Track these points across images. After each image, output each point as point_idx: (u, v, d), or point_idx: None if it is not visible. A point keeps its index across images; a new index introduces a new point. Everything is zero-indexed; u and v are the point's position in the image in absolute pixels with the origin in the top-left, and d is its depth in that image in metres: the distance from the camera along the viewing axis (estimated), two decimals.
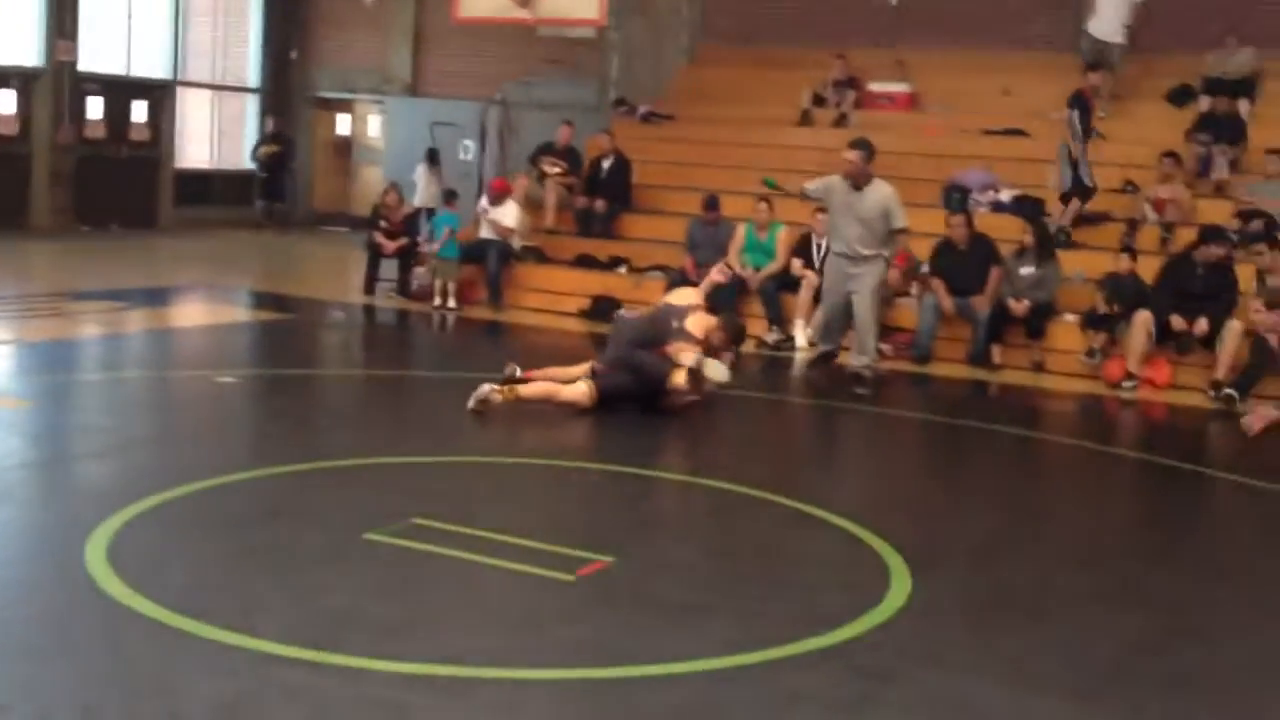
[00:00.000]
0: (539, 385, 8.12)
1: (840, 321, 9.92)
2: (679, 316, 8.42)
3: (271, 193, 20.27)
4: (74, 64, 18.41)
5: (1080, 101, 12.35)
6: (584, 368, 8.34)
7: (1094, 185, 12.42)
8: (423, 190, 17.31)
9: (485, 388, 7.85)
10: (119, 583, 4.61)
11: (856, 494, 6.93)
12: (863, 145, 9.71)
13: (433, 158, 17.87)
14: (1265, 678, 4.51)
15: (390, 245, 13.52)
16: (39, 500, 5.85)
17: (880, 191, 9.64)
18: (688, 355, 8.04)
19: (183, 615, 4.34)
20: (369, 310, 13.13)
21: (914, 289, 11.95)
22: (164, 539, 5.25)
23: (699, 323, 8.40)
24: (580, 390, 8.05)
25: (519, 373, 8.25)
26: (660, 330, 8.39)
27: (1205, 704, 4.23)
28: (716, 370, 8.08)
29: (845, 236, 9.68)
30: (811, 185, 10.12)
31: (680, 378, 8.09)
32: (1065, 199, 12.52)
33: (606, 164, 14.28)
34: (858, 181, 9.62)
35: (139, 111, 19.80)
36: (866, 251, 9.59)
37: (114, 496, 5.68)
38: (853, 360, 9.77)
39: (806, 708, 4.02)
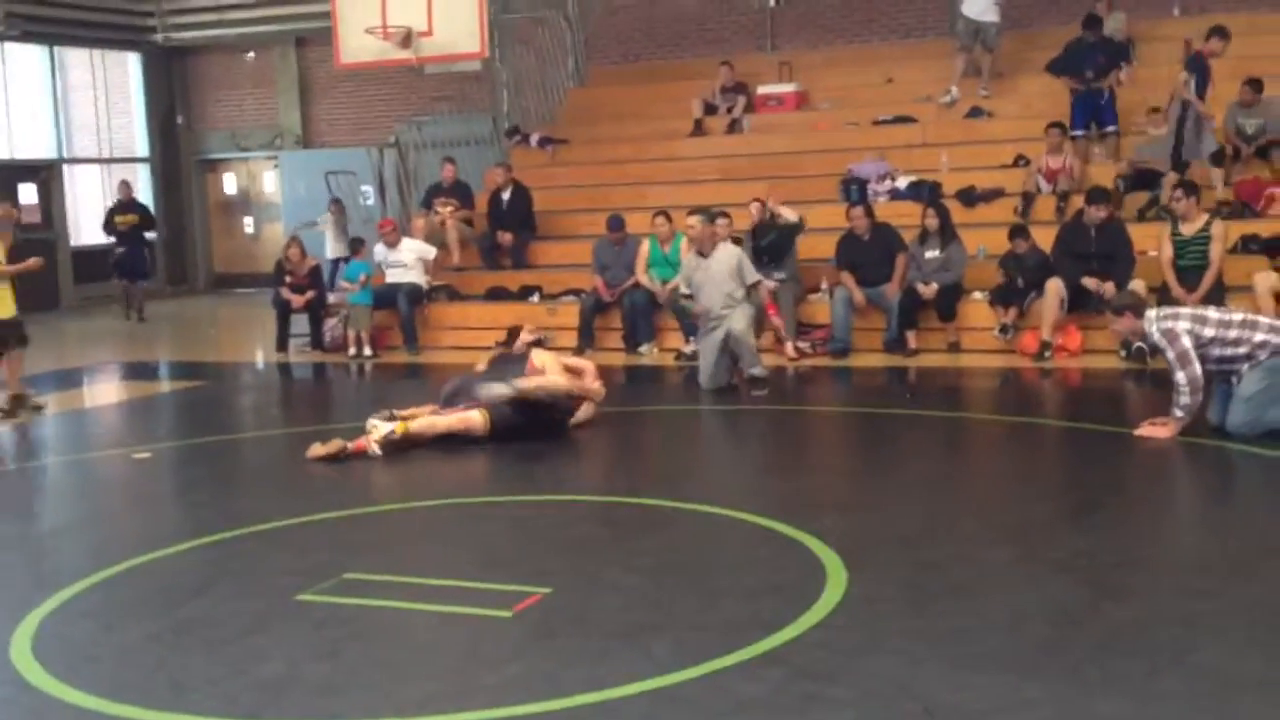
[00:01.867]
0: (425, 420, 8.11)
1: (724, 364, 10.04)
2: (516, 358, 8.79)
3: (133, 270, 17.84)
4: None
5: (1197, 64, 11.94)
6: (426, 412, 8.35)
7: (1222, 146, 12.14)
8: (332, 241, 17.18)
9: (384, 429, 7.89)
10: (47, 675, 4.51)
11: (784, 494, 6.95)
12: (701, 212, 10.19)
13: (338, 207, 17.74)
14: (1192, 631, 4.58)
15: (298, 299, 13.39)
16: None
17: (726, 252, 10.04)
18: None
19: (116, 702, 4.26)
20: (284, 368, 12.99)
21: (823, 284, 12.08)
22: (90, 625, 5.14)
23: (543, 355, 8.70)
24: (473, 420, 8.06)
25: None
26: (507, 365, 8.66)
27: (1139, 662, 4.30)
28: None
29: (709, 305, 9.99)
30: (681, 286, 10.52)
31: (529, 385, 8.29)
32: (1179, 167, 11.94)
33: (506, 195, 14.27)
34: (703, 248, 10.00)
35: (27, 194, 19.46)
36: (726, 311, 9.88)
37: (35, 587, 5.56)
38: (748, 371, 9.86)
39: (753, 714, 4.02)
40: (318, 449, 7.93)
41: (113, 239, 17.99)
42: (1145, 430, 7.61)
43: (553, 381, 8.41)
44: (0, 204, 10.94)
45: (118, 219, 17.96)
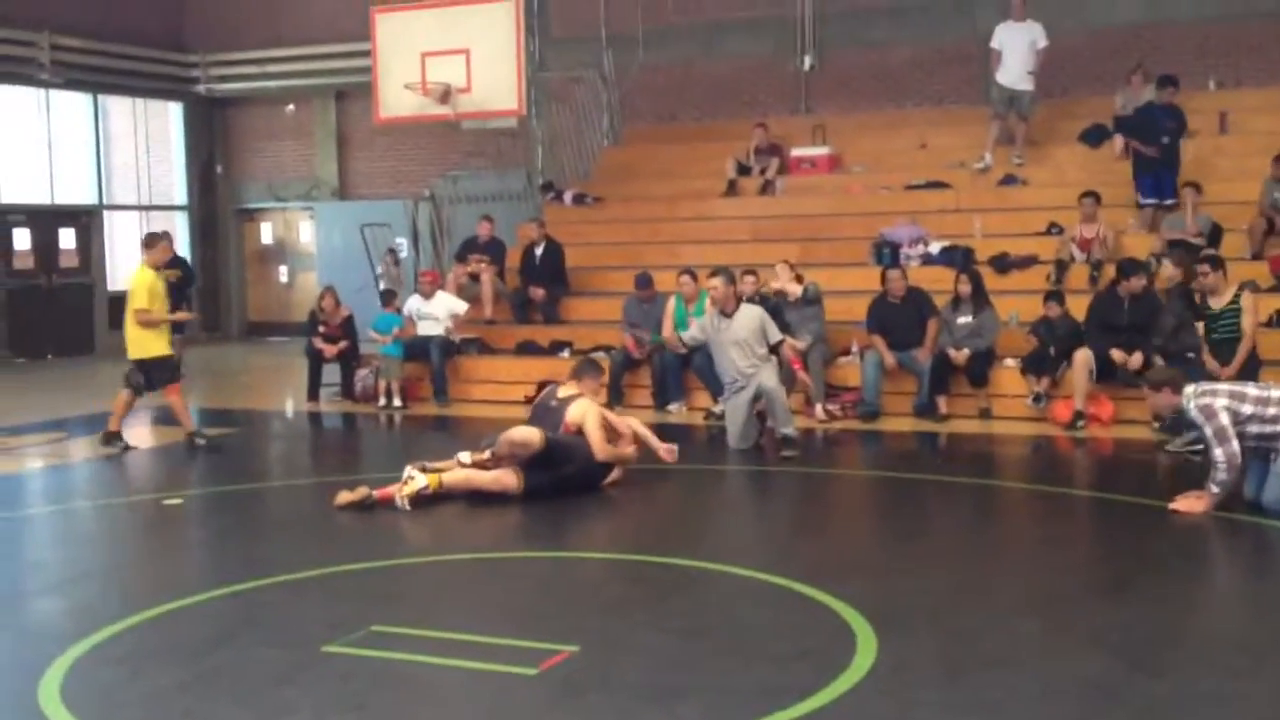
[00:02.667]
0: (463, 473, 8.11)
1: (752, 424, 10.07)
2: (554, 397, 8.74)
3: (174, 326, 17.18)
4: None
5: None
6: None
7: None
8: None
9: (418, 482, 7.89)
10: None
11: (813, 558, 6.92)
12: (723, 272, 10.24)
13: (393, 257, 17.81)
14: (1226, 710, 4.52)
15: (330, 349, 13.46)
16: None
17: (749, 312, 10.12)
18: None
19: None
20: (314, 417, 13.04)
21: (854, 346, 12.07)
22: (119, 673, 5.14)
23: (580, 408, 8.54)
24: (508, 481, 8.05)
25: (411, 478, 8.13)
26: (546, 418, 8.55)
27: None
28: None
29: (731, 367, 10.05)
30: (688, 334, 10.71)
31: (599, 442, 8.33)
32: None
33: (539, 250, 14.35)
34: (726, 309, 10.05)
35: (67, 239, 19.71)
36: (752, 370, 9.91)
37: (65, 634, 5.57)
38: (779, 430, 9.84)
39: None
40: (345, 496, 7.97)
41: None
42: (1180, 505, 7.53)
43: (604, 448, 8.42)
44: (159, 241, 10.94)
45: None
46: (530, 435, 8.06)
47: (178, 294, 16.05)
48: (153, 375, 10.74)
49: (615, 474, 8.59)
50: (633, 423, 9.04)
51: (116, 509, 8.69)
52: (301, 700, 4.73)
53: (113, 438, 10.65)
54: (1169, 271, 11.02)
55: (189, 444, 10.69)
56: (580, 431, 8.41)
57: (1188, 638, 5.45)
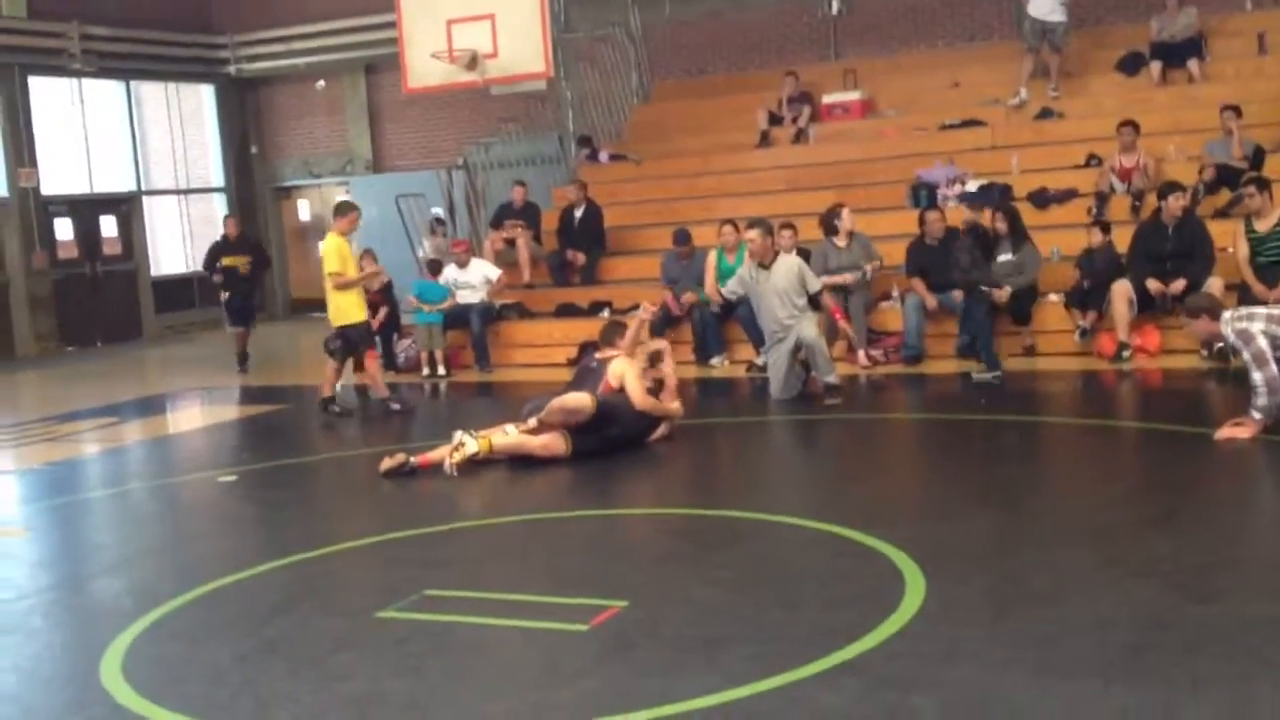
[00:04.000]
0: (513, 438, 8.15)
1: (794, 374, 10.05)
2: (593, 359, 8.81)
3: (244, 316, 14.99)
4: (37, 189, 18.52)
5: None
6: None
7: None
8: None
9: (470, 447, 7.94)
10: (138, 696, 4.61)
11: (859, 504, 6.91)
12: (760, 223, 10.21)
13: (441, 225, 17.84)
14: (1277, 630, 4.50)
15: (373, 319, 13.47)
16: (48, 626, 5.82)
17: (787, 263, 10.10)
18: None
19: None
20: (360, 389, 13.12)
21: (894, 291, 11.99)
22: (178, 647, 5.24)
23: (619, 367, 8.56)
24: (556, 445, 8.08)
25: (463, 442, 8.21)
26: (586, 377, 8.64)
27: (1228, 666, 4.22)
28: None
29: (771, 318, 10.06)
30: (727, 287, 10.82)
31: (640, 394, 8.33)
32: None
33: (578, 213, 14.34)
34: (764, 260, 10.04)
35: (109, 226, 19.92)
36: (791, 321, 9.90)
37: (123, 612, 5.68)
38: (822, 378, 9.83)
39: None
40: (386, 462, 8.11)
41: (217, 278, 15.03)
42: (1225, 433, 7.46)
43: (644, 399, 8.45)
44: (350, 211, 11.18)
45: (226, 260, 14.94)
46: (582, 401, 8.10)
47: (251, 285, 15.45)
48: (353, 341, 11.01)
49: (662, 429, 8.61)
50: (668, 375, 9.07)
51: (170, 488, 8.82)
52: (358, 666, 4.80)
53: (328, 403, 11.09)
54: (965, 215, 11.76)
55: (383, 408, 11.02)
56: (622, 389, 8.44)
57: (1238, 564, 5.41)
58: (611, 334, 9.05)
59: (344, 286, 10.85)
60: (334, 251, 10.84)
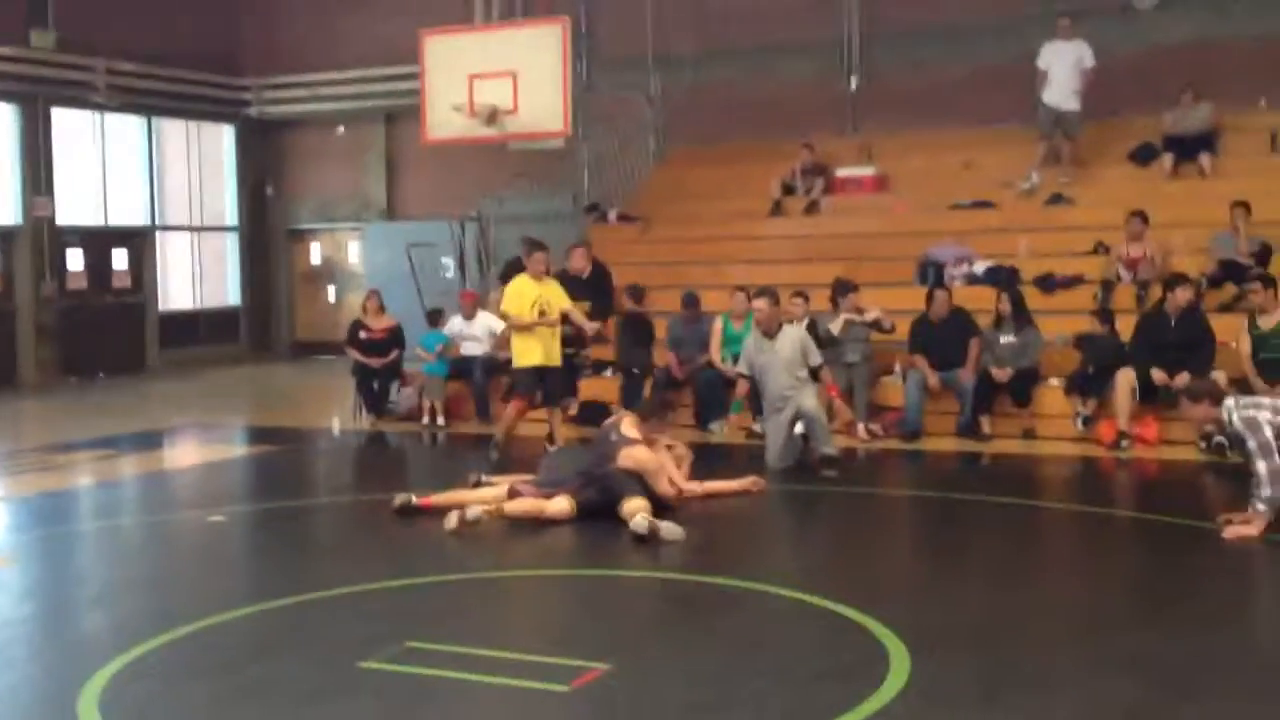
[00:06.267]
0: (525, 503, 8.12)
1: (792, 443, 10.05)
2: (615, 431, 8.50)
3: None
4: (52, 218, 18.63)
5: None
6: (500, 489, 8.33)
7: None
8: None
9: (476, 510, 7.90)
10: None
11: (851, 578, 6.88)
12: (768, 293, 10.28)
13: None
14: None
15: (373, 361, 13.47)
16: (28, 657, 5.80)
17: (792, 334, 10.17)
18: (639, 520, 7.62)
19: None
20: (358, 435, 13.13)
21: (896, 366, 12.01)
22: (156, 686, 5.21)
23: (634, 457, 8.28)
24: (563, 507, 8.05)
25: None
26: (603, 450, 8.44)
27: None
28: (671, 532, 7.59)
29: (775, 389, 10.08)
30: (737, 367, 10.64)
31: (635, 520, 7.69)
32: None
33: (585, 275, 14.34)
34: (769, 329, 10.10)
35: (120, 259, 19.98)
36: (791, 391, 9.94)
37: (104, 647, 5.66)
38: (820, 449, 9.83)
39: None
40: (398, 500, 8.21)
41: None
42: (1233, 532, 7.38)
43: (668, 491, 8.36)
44: (534, 251, 10.84)
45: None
46: (561, 510, 8.03)
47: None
48: (524, 384, 10.70)
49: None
50: (707, 485, 8.91)
51: (160, 525, 8.80)
52: (336, 716, 4.78)
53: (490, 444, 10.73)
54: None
55: (484, 451, 10.62)
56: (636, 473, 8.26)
57: (1229, 663, 5.36)
58: (652, 413, 8.85)
59: (513, 328, 10.72)
60: (513, 291, 10.76)
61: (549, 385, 10.82)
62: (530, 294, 10.66)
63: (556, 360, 10.86)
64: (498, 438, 10.69)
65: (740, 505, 8.99)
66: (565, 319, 11.05)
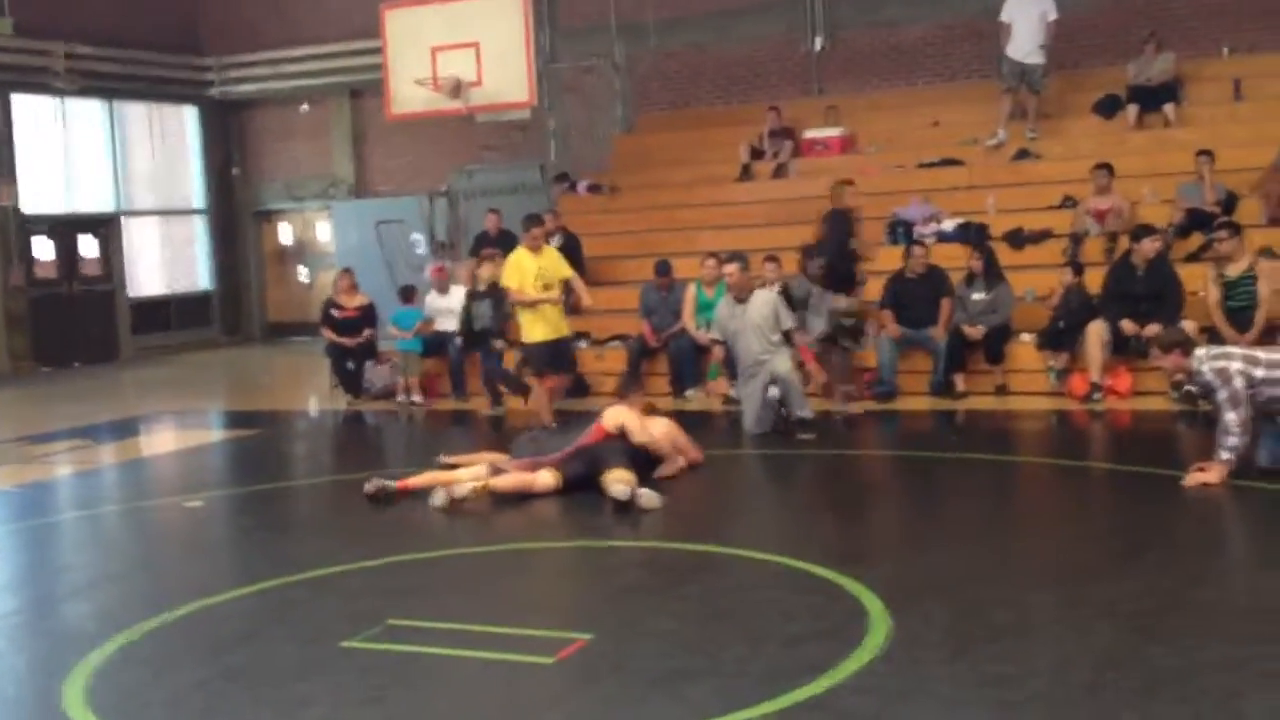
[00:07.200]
0: (511, 478, 8.14)
1: (768, 408, 10.07)
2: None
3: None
4: (16, 206, 18.47)
5: None
6: (480, 467, 8.31)
7: None
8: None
9: (465, 487, 7.90)
10: None
11: (828, 540, 6.95)
12: (739, 258, 10.33)
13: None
14: (1239, 678, 4.53)
15: (346, 341, 13.43)
16: (12, 649, 5.81)
17: (763, 298, 10.19)
18: (619, 488, 7.62)
19: None
20: (336, 415, 13.12)
21: (869, 327, 12.06)
22: (141, 673, 5.23)
23: (615, 415, 8.36)
24: (549, 481, 8.08)
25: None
26: (586, 426, 8.47)
27: (1183, 709, 4.26)
28: (650, 499, 7.60)
29: (748, 354, 10.11)
30: (710, 333, 10.72)
31: (615, 487, 7.68)
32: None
33: (555, 242, 14.35)
34: (740, 294, 10.13)
35: (87, 246, 19.84)
36: (765, 356, 9.97)
37: (87, 636, 5.66)
38: (795, 413, 9.88)
39: None
40: (369, 487, 8.15)
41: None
42: (1193, 479, 7.48)
43: (648, 437, 8.37)
44: (533, 224, 10.72)
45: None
46: (547, 484, 8.06)
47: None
48: (536, 358, 10.61)
49: (669, 468, 8.54)
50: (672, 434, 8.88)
51: (138, 512, 8.80)
52: (320, 695, 4.80)
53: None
54: None
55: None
56: (619, 434, 8.30)
57: (1200, 607, 5.45)
58: (627, 387, 9.02)
59: (519, 304, 10.62)
60: (510, 267, 10.63)
61: (560, 356, 10.83)
62: (531, 267, 10.59)
63: (565, 331, 10.91)
64: (546, 421, 10.31)
65: (718, 472, 9.04)
66: (568, 288, 11.00)
